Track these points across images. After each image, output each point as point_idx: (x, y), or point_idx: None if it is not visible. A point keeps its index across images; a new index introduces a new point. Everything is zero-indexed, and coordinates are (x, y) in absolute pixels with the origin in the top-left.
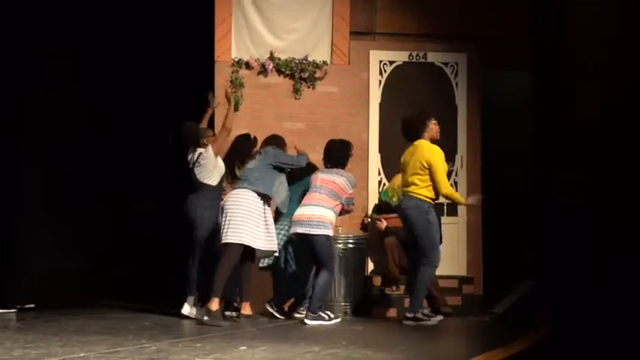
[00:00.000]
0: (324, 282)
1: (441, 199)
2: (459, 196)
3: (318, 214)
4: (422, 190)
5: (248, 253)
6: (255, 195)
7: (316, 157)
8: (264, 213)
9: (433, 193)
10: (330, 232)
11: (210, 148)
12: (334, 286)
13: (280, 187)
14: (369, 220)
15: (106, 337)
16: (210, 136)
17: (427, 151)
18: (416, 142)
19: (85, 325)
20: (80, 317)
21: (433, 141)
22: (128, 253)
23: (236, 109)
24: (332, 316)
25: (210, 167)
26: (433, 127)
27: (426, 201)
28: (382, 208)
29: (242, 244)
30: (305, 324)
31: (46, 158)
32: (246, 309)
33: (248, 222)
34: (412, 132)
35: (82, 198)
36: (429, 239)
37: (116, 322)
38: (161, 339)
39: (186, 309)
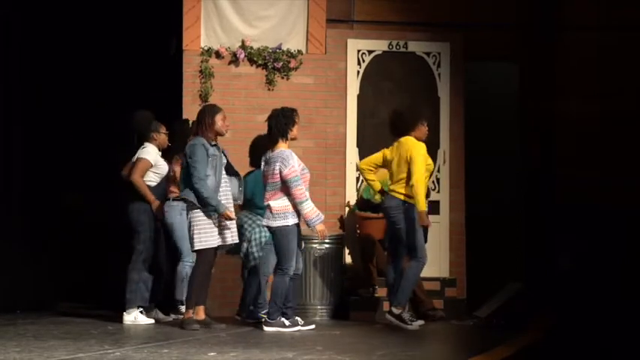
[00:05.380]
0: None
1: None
2: (423, 201)
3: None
4: (406, 188)
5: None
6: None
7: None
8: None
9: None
10: (286, 223)
11: (150, 144)
12: (309, 289)
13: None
14: (353, 211)
15: (67, 342)
16: (161, 132)
17: (412, 146)
18: (402, 139)
19: (44, 330)
20: (39, 321)
21: (418, 140)
22: (91, 253)
23: (205, 100)
24: (292, 322)
25: None
26: (422, 129)
27: (408, 201)
28: (363, 205)
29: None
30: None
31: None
32: (200, 313)
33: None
34: (401, 127)
35: (39, 193)
36: (413, 236)
37: (77, 327)
38: (125, 344)
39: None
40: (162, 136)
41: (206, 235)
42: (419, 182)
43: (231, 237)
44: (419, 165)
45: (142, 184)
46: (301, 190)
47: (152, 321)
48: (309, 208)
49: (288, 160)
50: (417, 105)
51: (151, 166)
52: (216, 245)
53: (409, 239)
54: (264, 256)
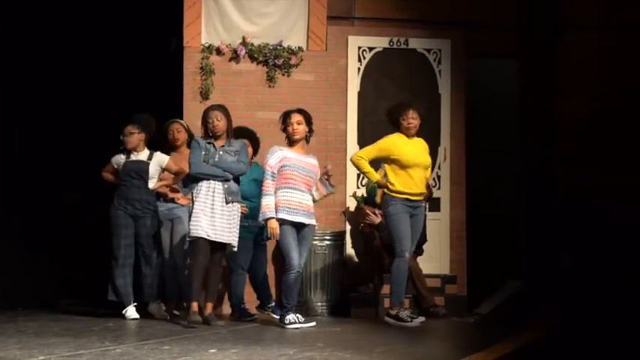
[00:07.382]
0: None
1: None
2: (371, 174)
3: None
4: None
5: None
6: None
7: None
8: None
9: (395, 185)
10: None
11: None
12: (310, 285)
13: None
14: (357, 204)
15: (68, 340)
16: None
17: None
18: None
19: (45, 327)
20: (40, 318)
21: (409, 135)
22: (91, 253)
23: (206, 97)
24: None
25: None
26: (402, 123)
27: (387, 194)
28: (368, 201)
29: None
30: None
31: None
32: (209, 309)
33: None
34: (391, 124)
35: (40, 192)
36: (392, 231)
37: (78, 324)
38: (126, 341)
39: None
40: (126, 139)
41: (192, 225)
42: (356, 155)
43: (222, 235)
44: (368, 147)
45: (105, 177)
46: (266, 183)
47: (136, 316)
48: (264, 202)
49: (267, 154)
50: (402, 100)
51: (113, 168)
52: (200, 235)
53: (389, 233)
54: (239, 250)
